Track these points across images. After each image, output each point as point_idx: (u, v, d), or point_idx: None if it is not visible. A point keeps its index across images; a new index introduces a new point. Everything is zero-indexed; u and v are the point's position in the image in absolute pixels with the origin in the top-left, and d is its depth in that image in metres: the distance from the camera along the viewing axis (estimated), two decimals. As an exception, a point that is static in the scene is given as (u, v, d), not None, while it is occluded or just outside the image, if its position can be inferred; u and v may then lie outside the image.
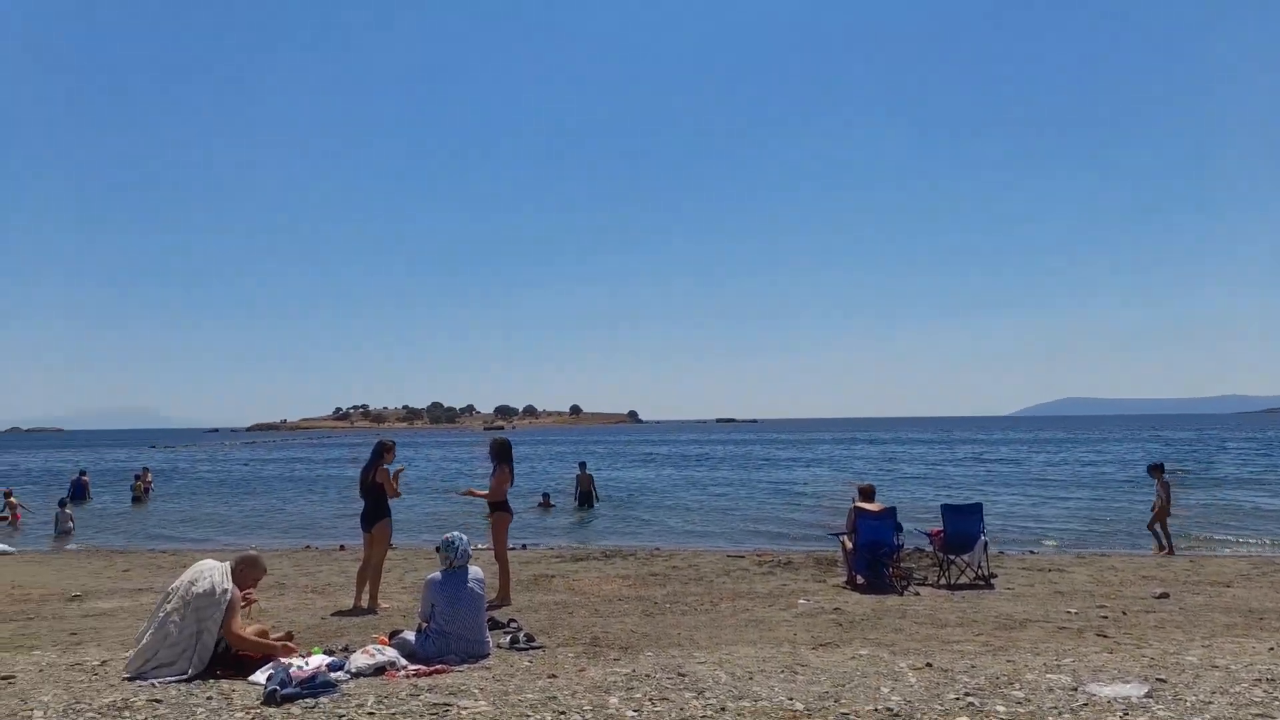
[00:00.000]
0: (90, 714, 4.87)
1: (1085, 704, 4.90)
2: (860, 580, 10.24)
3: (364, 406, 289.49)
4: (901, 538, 10.57)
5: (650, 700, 5.08)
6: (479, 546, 12.11)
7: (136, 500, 26.89)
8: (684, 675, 5.71)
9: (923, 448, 61.39)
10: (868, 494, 10.89)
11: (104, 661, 6.43)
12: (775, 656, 6.44)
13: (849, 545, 10.60)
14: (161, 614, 6.05)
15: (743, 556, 13.12)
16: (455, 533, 6.97)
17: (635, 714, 4.79)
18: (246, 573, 6.41)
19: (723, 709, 4.91)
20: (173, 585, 6.28)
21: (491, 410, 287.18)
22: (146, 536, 19.29)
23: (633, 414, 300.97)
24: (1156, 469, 14.85)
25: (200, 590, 6.05)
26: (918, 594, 9.72)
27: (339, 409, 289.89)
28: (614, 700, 5.07)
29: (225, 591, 6.05)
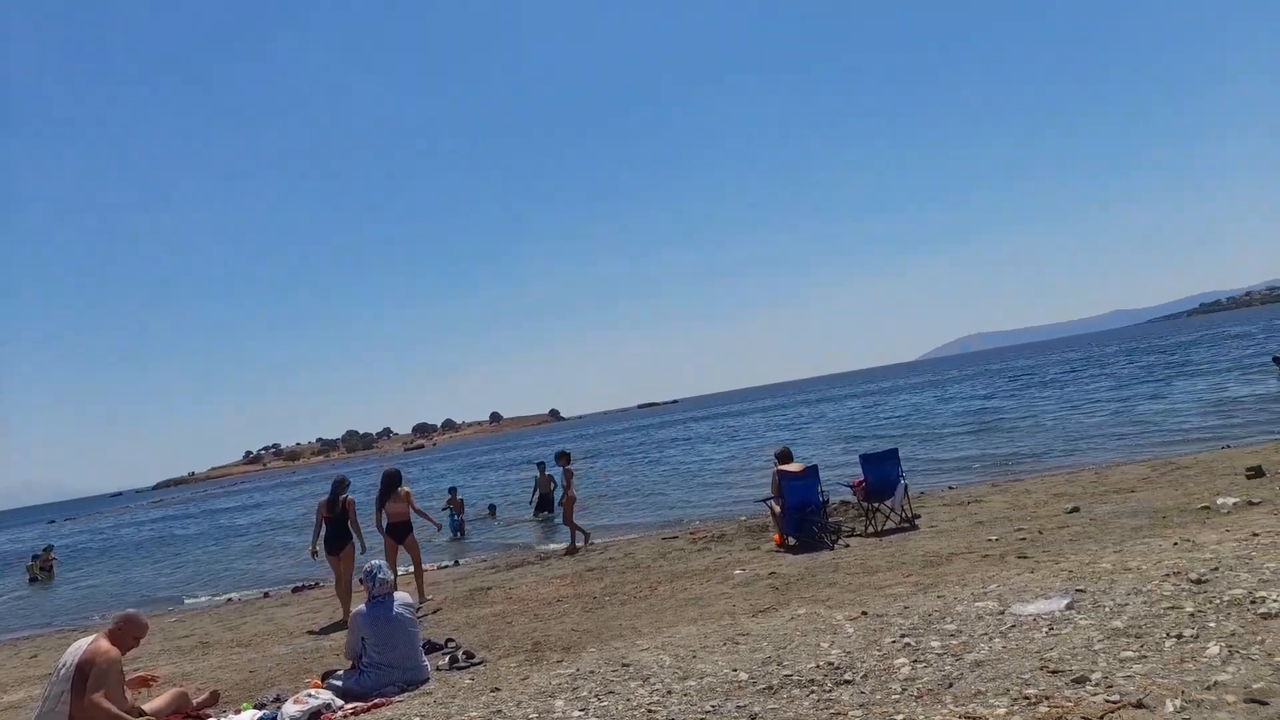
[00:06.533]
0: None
1: (1013, 625, 5.05)
2: (792, 541, 10.39)
3: (275, 446, 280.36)
4: (826, 493, 10.77)
5: (596, 696, 5.02)
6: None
7: (34, 581, 25.30)
8: (628, 665, 5.66)
9: (824, 405, 62.90)
10: (785, 456, 11.04)
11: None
12: (717, 631, 6.45)
13: (777, 509, 10.74)
14: (47, 695, 5.68)
15: (676, 536, 13.16)
16: (374, 561, 6.77)
17: (582, 713, 4.72)
18: (126, 631, 5.91)
19: (669, 692, 4.88)
20: (57, 664, 5.88)
21: (410, 430, 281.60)
22: (52, 618, 18.15)
23: (554, 412, 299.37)
24: (562, 456, 14.01)
25: (64, 672, 5.64)
26: (848, 545, 9.92)
27: (249, 452, 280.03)
28: (559, 703, 4.98)
29: (71, 667, 5.59)
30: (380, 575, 6.57)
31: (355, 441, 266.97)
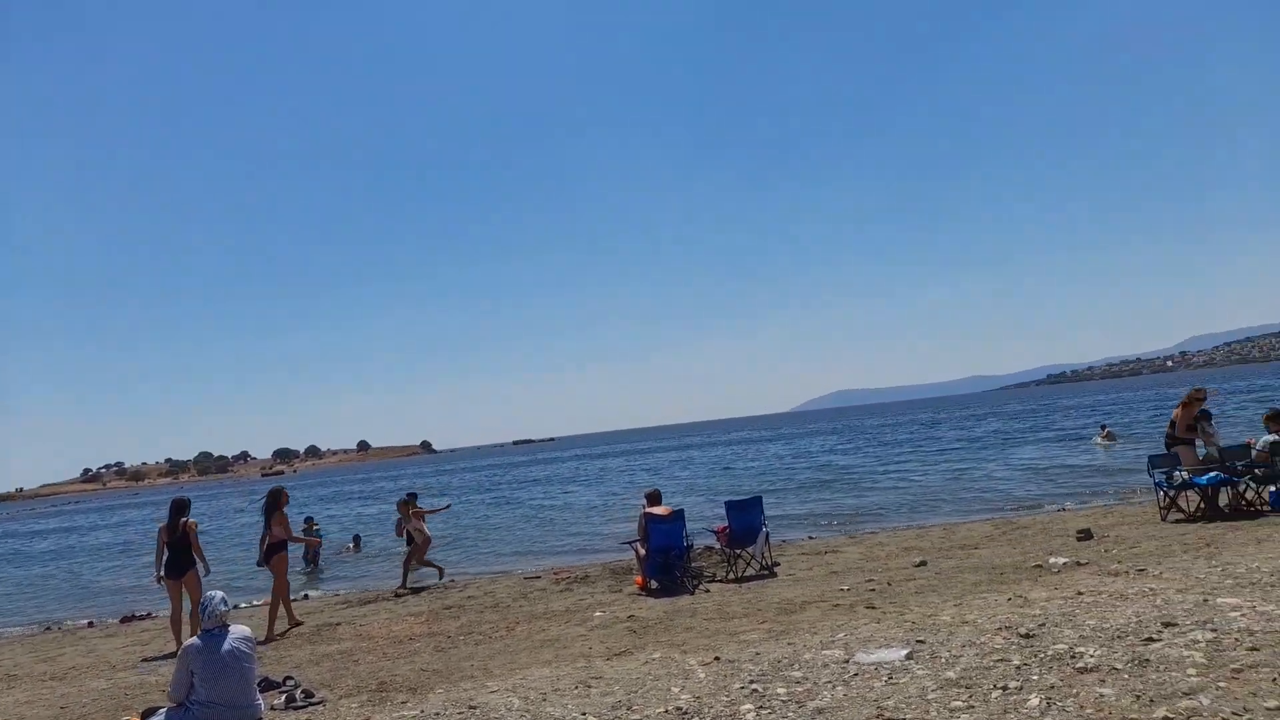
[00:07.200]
0: None
1: (856, 674, 5.20)
2: (654, 584, 10.41)
3: (118, 464, 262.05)
4: (690, 538, 10.86)
5: (438, 740, 4.84)
6: (254, 603, 11.22)
7: None
8: (475, 708, 5.51)
9: (693, 451, 63.92)
10: (655, 499, 11.10)
11: None
12: (570, 673, 6.36)
13: (642, 551, 10.75)
14: None
15: (539, 577, 12.97)
16: (211, 591, 6.34)
17: (420, 757, 4.54)
18: None
19: (514, 736, 4.76)
20: None
21: (269, 455, 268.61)
22: None
23: (426, 444, 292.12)
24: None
25: None
26: (708, 591, 10.01)
27: (88, 470, 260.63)
28: (398, 746, 4.78)
29: None
30: (211, 606, 6.15)
31: (208, 464, 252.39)
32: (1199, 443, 11.62)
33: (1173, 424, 11.91)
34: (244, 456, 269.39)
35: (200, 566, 10.06)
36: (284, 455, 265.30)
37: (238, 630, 6.30)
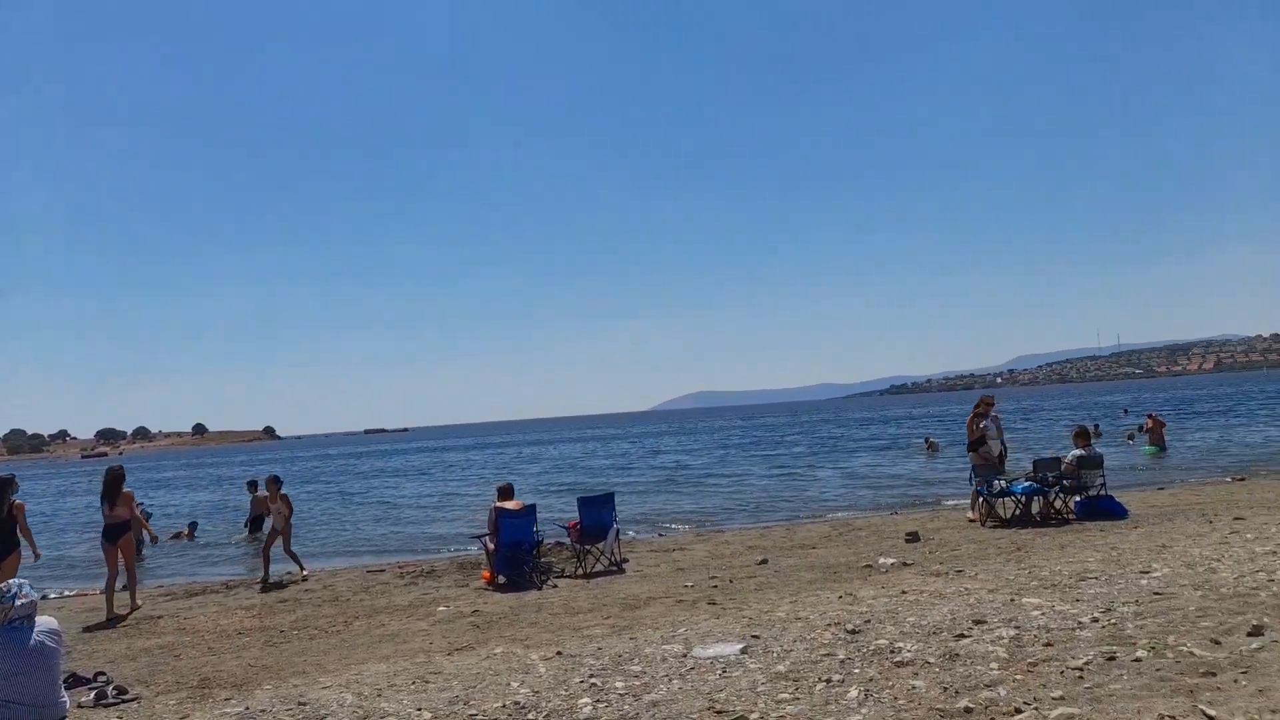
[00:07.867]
0: None
1: (692, 668, 5.36)
2: (502, 579, 10.34)
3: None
4: (541, 533, 10.85)
5: (262, 738, 4.65)
6: (64, 594, 10.42)
7: None
8: (305, 704, 5.32)
9: (547, 447, 63.99)
10: (506, 493, 11.03)
11: None
12: (408, 669, 6.24)
13: (491, 546, 10.65)
14: None
15: (383, 570, 12.62)
16: (13, 580, 5.83)
17: (242, 756, 4.35)
18: None
19: (345, 733, 4.64)
20: None
21: (92, 435, 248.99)
22: None
23: (269, 430, 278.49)
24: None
25: None
26: (556, 586, 10.04)
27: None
28: (219, 745, 4.56)
29: None
30: (10, 595, 5.64)
31: (20, 442, 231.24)
32: (989, 441, 12.74)
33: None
34: (62, 435, 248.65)
35: (30, 551, 9.48)
36: (108, 436, 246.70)
37: (44, 623, 5.83)
